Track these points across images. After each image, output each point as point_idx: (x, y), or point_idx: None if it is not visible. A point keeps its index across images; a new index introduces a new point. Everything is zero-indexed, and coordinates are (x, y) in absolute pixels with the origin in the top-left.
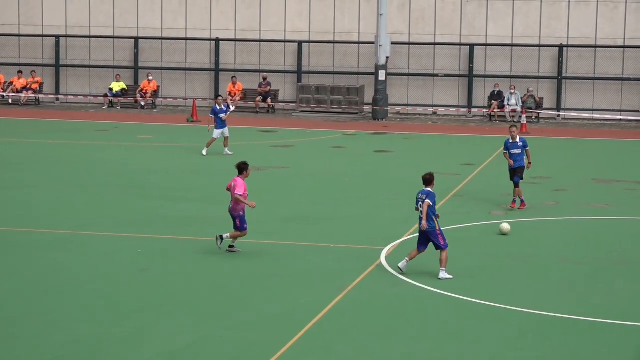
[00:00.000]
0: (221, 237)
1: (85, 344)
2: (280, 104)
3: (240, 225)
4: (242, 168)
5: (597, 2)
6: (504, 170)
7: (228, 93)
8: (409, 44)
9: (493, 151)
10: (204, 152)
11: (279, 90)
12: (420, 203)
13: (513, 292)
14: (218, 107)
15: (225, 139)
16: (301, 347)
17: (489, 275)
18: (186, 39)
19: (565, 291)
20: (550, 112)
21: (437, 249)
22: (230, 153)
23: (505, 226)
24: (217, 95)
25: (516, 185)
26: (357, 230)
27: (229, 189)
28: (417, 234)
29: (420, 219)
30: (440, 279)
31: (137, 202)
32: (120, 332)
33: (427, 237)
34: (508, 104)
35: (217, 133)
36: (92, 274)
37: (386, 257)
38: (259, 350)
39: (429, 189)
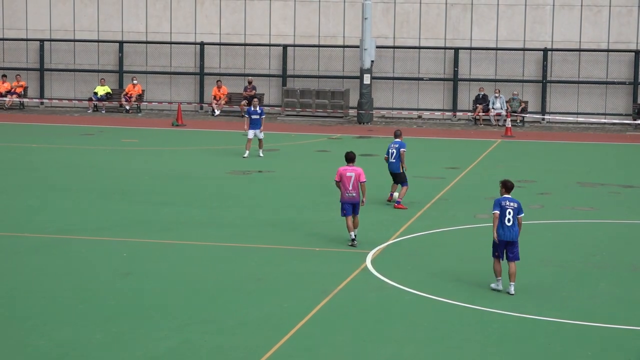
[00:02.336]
0: (352, 240)
1: (68, 349)
2: (266, 107)
3: (358, 210)
4: (354, 157)
5: (581, 6)
6: (489, 174)
7: (213, 97)
8: (393, 47)
9: (478, 155)
10: (245, 155)
11: (264, 94)
12: (510, 211)
13: (497, 295)
14: (252, 109)
15: (260, 141)
16: (285, 352)
17: (473, 278)
18: (171, 42)
19: (549, 294)
20: (535, 116)
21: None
22: (261, 156)
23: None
24: (253, 97)
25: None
26: (342, 234)
27: (339, 180)
28: (402, 237)
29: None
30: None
31: (121, 206)
32: (103, 337)
33: (505, 246)
34: (493, 108)
35: (250, 133)
36: (74, 278)
37: (371, 261)
38: (242, 355)
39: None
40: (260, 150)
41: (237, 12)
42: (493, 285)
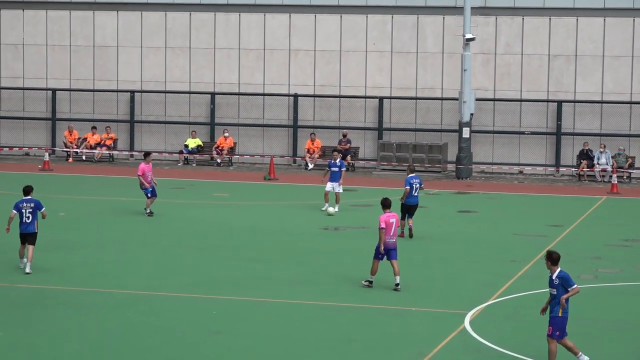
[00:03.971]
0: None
1: None
2: (361, 161)
3: (396, 255)
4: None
5: None
6: (593, 232)
7: (306, 150)
8: (494, 100)
9: (582, 212)
10: (324, 209)
11: (359, 147)
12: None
13: (600, 358)
14: (332, 161)
15: (337, 194)
16: None
17: (575, 341)
18: (264, 94)
19: None
20: None
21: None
22: (336, 210)
23: (331, 210)
24: (333, 150)
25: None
26: (439, 293)
27: (384, 227)
28: (502, 298)
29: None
30: None
31: (211, 261)
32: None
33: None
34: (598, 163)
35: (328, 186)
36: (163, 336)
37: (470, 322)
38: None
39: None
40: (337, 205)
41: (332, 63)
42: None
